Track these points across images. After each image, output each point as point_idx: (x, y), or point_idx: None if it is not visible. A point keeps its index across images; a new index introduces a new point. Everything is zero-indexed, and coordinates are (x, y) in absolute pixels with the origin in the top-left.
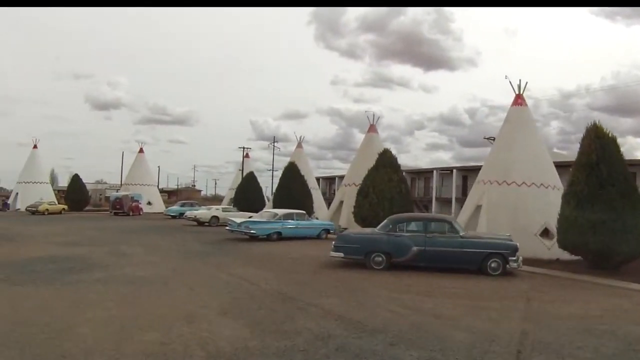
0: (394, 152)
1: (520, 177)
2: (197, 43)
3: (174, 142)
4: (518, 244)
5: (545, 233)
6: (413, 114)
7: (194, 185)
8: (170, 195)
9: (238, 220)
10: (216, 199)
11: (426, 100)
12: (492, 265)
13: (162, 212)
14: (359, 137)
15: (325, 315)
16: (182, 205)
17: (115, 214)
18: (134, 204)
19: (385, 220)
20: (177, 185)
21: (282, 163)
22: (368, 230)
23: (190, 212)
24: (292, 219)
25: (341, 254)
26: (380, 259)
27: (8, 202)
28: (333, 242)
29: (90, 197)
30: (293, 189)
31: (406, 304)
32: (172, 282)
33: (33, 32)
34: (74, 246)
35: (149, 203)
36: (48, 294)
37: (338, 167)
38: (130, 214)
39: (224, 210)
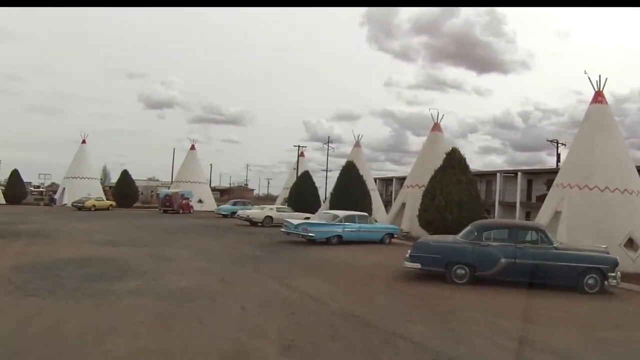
0: None
1: (603, 182)
2: (251, 43)
3: (227, 141)
4: (618, 258)
5: (630, 243)
6: (466, 117)
7: (247, 184)
8: (222, 193)
9: (295, 222)
10: (269, 199)
11: (479, 103)
12: (589, 281)
13: (213, 211)
14: (413, 139)
15: (419, 352)
16: (234, 203)
17: (165, 211)
18: (184, 201)
19: (469, 227)
20: (230, 184)
21: (334, 165)
22: (449, 238)
23: (242, 212)
24: (354, 222)
25: (418, 265)
26: (462, 271)
27: (55, 197)
28: (409, 251)
29: (140, 194)
30: (351, 189)
31: (510, 334)
32: (220, 297)
33: (86, 31)
34: (113, 247)
35: (200, 201)
36: (65, 310)
37: (391, 170)
38: (180, 211)
39: (279, 210)
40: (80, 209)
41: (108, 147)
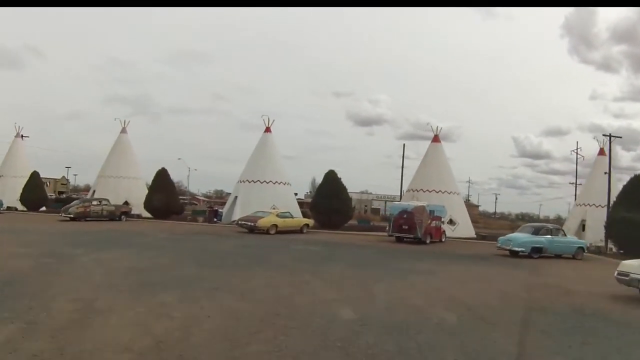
0: None
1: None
2: (457, 61)
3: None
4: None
5: None
6: None
7: (469, 200)
8: None
9: None
10: (491, 218)
11: None
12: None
13: (473, 238)
14: (621, 154)
15: None
16: (535, 231)
17: (398, 239)
18: (433, 222)
19: None
20: None
21: (544, 181)
22: None
23: (630, 266)
24: None
25: None
26: None
27: (221, 210)
28: None
29: (353, 209)
30: None
31: None
32: None
33: (292, 53)
34: None
35: (451, 222)
36: None
37: None
38: (428, 240)
39: None
40: (251, 230)
41: (320, 162)
